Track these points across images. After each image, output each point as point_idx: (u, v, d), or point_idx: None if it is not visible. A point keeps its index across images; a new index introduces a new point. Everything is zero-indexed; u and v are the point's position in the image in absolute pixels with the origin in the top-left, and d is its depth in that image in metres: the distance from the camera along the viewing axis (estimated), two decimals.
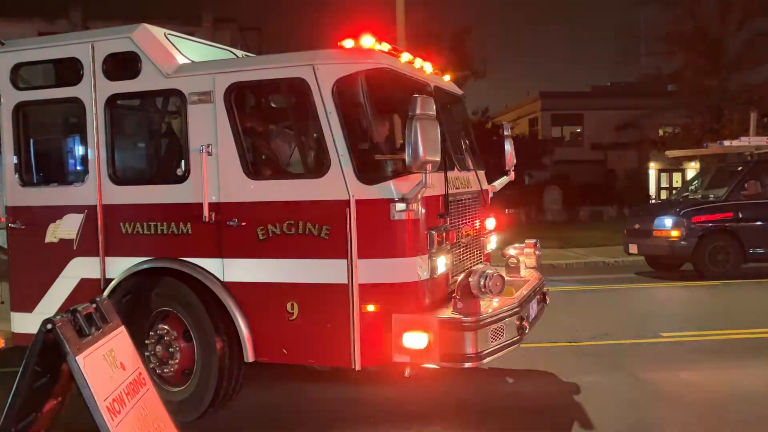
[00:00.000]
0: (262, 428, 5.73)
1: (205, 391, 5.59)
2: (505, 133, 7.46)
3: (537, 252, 7.03)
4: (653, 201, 34.18)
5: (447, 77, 6.98)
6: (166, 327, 5.76)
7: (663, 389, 6.50)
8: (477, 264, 6.44)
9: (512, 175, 7.49)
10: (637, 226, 14.73)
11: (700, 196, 14.82)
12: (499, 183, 7.44)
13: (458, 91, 7.22)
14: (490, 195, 7.20)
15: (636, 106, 37.96)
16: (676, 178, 37.49)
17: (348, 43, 5.39)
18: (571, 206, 33.70)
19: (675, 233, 13.58)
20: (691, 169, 33.02)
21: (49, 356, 3.89)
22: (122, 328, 4.43)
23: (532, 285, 6.32)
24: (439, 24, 29.21)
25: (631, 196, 33.76)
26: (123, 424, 3.94)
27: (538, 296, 6.44)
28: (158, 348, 5.75)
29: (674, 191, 30.22)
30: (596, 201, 34.25)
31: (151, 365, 5.70)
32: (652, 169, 38.00)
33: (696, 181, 16.39)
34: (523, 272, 6.84)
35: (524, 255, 6.97)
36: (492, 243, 7.13)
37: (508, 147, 7.40)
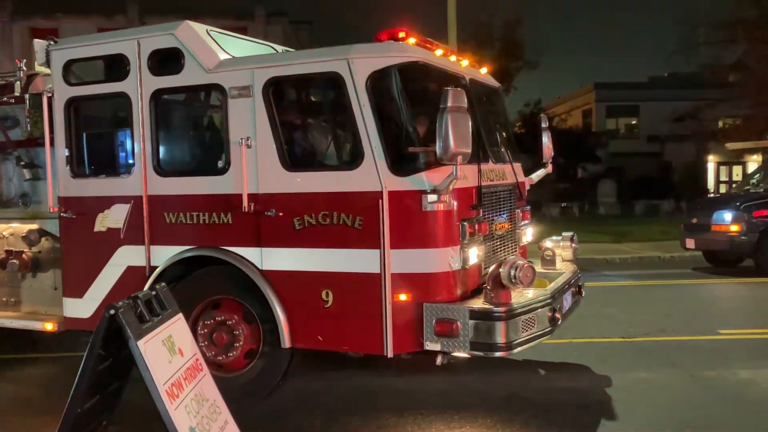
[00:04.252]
0: (311, 416, 5.81)
1: (275, 371, 5.79)
2: (543, 125, 7.45)
3: (573, 245, 7.03)
4: (712, 195, 33.27)
5: (484, 70, 7.00)
6: (222, 314, 5.92)
7: (720, 387, 6.36)
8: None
9: (549, 168, 7.48)
10: (694, 221, 14.36)
11: (762, 189, 14.36)
12: (537, 175, 7.44)
13: (495, 83, 7.23)
14: (527, 187, 7.20)
15: (695, 97, 36.99)
16: (737, 171, 36.32)
17: (382, 37, 5.49)
18: (626, 200, 33.15)
19: (735, 228, 13.20)
20: (753, 162, 31.95)
21: (112, 341, 4.05)
22: (180, 315, 4.57)
23: (566, 277, 6.33)
24: (491, 14, 29.10)
25: (688, 189, 32.98)
26: (181, 408, 4.07)
27: (573, 289, 6.44)
28: (215, 335, 5.92)
29: (734, 185, 29.28)
30: (652, 195, 33.62)
31: (208, 355, 5.85)
32: (711, 162, 36.94)
33: (758, 175, 15.90)
34: (559, 265, 6.84)
35: (560, 248, 6.96)
36: (528, 235, 7.13)
37: (546, 139, 7.39)
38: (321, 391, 6.46)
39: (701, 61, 32.08)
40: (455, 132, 4.81)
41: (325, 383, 6.69)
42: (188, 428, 4.02)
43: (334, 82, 5.43)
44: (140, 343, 3.98)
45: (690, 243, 14.38)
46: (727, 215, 13.40)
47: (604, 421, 5.59)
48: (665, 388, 6.37)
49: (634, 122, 42.61)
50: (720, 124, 35.39)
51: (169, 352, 4.25)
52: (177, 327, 4.47)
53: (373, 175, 5.24)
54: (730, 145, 19.81)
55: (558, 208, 31.21)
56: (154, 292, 4.39)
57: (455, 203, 5.36)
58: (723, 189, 35.18)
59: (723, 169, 37.30)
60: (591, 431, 5.41)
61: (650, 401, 6.02)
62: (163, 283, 4.61)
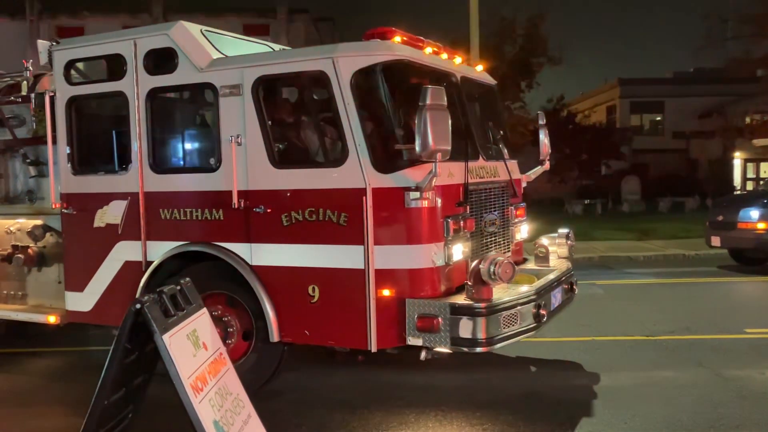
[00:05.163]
0: (331, 410, 5.85)
1: (268, 365, 5.93)
2: (540, 122, 7.45)
3: (569, 242, 7.02)
4: (738, 192, 32.75)
5: (480, 67, 7.04)
6: (216, 308, 5.96)
7: (746, 387, 6.26)
8: (506, 253, 6.49)
9: (547, 165, 7.47)
10: (720, 218, 14.09)
11: None
12: (533, 173, 7.45)
13: (490, 81, 7.25)
14: (524, 184, 7.22)
15: (721, 93, 36.53)
16: (764, 168, 35.69)
17: (370, 36, 5.57)
18: (651, 197, 32.79)
19: (762, 225, 13.00)
20: None
21: (137, 335, 4.13)
22: (204, 310, 4.61)
23: (557, 274, 6.34)
24: (513, 10, 28.94)
25: (714, 186, 32.54)
26: (205, 402, 4.13)
27: (564, 286, 6.45)
28: None
29: (762, 182, 28.82)
30: (677, 192, 33.16)
31: None
32: (738, 158, 36.31)
33: None
34: (553, 262, 6.85)
35: (556, 245, 6.97)
36: (523, 232, 7.15)
37: (543, 136, 7.39)
38: (342, 387, 6.51)
39: (728, 56, 31.62)
40: (434, 129, 4.87)
41: (346, 379, 6.73)
42: (212, 422, 4.08)
43: (320, 81, 5.52)
44: (165, 337, 4.03)
45: (715, 241, 14.08)
46: (754, 213, 13.20)
47: (626, 420, 5.53)
48: (690, 387, 6.28)
49: (658, 118, 42.06)
50: (747, 120, 34.84)
51: (193, 346, 4.30)
52: (201, 321, 4.52)
53: (357, 172, 5.32)
54: (757, 142, 19.56)
55: (581, 205, 30.99)
56: (179, 287, 4.43)
57: (439, 200, 5.42)
58: (750, 186, 34.62)
59: (750, 165, 36.64)
60: (613, 430, 5.37)
61: (675, 400, 5.93)
62: (187, 278, 4.64)
